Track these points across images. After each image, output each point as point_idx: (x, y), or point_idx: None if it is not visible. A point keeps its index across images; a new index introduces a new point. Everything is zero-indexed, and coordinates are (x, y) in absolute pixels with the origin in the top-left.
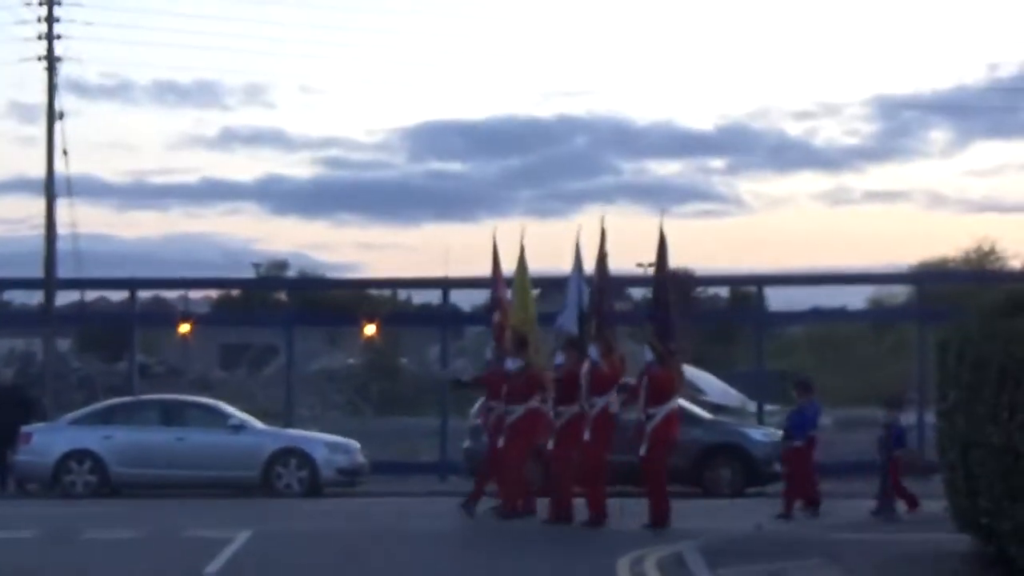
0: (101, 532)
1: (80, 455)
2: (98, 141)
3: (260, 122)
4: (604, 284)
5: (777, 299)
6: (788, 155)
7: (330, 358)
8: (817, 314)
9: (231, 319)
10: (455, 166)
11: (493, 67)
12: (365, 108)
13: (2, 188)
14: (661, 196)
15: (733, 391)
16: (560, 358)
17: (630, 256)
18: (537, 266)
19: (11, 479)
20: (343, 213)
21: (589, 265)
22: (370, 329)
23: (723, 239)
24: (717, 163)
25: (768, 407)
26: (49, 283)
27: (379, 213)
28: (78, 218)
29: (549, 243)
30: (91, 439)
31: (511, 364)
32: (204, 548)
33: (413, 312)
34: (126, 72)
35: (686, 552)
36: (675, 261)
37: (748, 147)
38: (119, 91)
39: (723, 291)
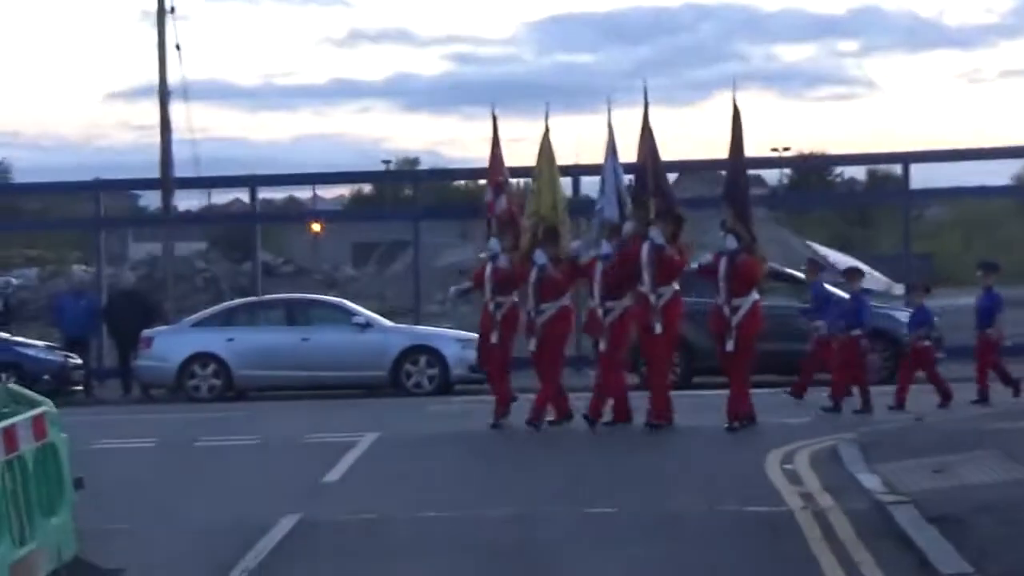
0: (220, 439)
1: (203, 358)
2: (225, 43)
3: (387, 20)
4: (656, 154)
5: (918, 180)
6: (921, 35)
7: (461, 252)
8: (965, 191)
9: (359, 216)
10: (583, 58)
11: None
12: (492, 2)
13: (140, 93)
14: (791, 81)
15: (877, 274)
16: (607, 248)
17: (764, 143)
18: (670, 156)
19: (135, 385)
20: (472, 108)
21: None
22: None
23: (857, 122)
24: (848, 46)
25: None
26: (166, 183)
27: (508, 108)
28: (209, 122)
29: (680, 131)
30: (214, 342)
31: (539, 258)
32: (326, 454)
33: None
34: None
35: (841, 446)
36: (809, 145)
37: (879, 29)
38: None
39: (860, 174)
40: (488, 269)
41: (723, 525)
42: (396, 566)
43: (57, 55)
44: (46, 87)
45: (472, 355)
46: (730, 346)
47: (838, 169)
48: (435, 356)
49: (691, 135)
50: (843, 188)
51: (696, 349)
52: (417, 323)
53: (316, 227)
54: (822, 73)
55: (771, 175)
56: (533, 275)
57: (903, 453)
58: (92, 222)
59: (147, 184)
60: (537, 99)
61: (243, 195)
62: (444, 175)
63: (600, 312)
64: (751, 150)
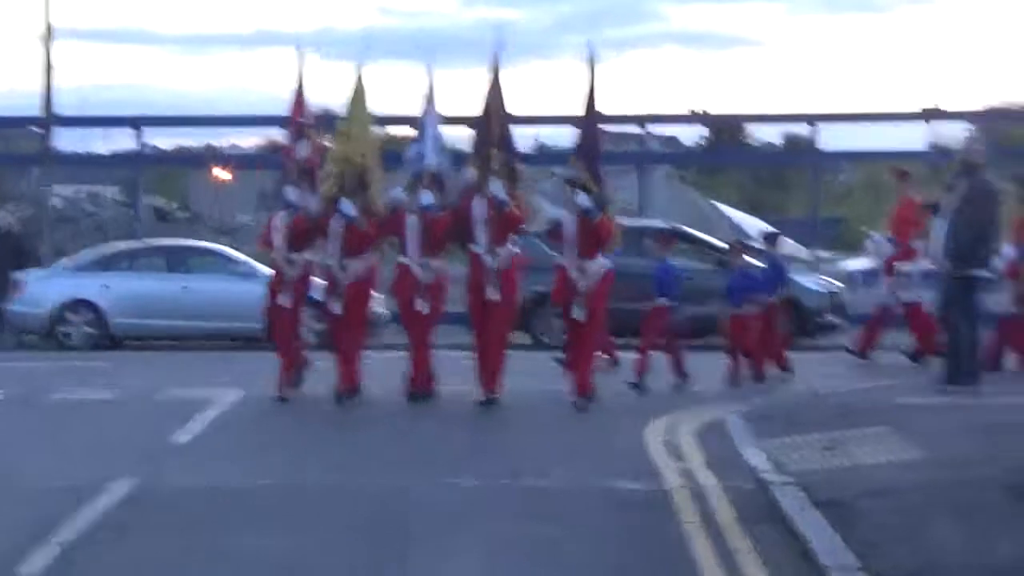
0: (73, 392)
1: (77, 305)
2: None
3: None
4: (500, 102)
5: (830, 144)
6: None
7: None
8: (876, 155)
9: (263, 163)
10: (506, 13)
11: None
12: None
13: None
14: (710, 41)
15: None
16: (428, 198)
17: (680, 102)
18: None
19: (6, 331)
20: (394, 61)
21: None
22: None
23: (775, 86)
24: (771, 8)
25: (823, 255)
26: (46, 122)
27: (428, 60)
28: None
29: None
30: (89, 288)
31: (346, 208)
32: (182, 412)
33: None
34: None
35: (729, 420)
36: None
37: None
38: None
39: (776, 138)
40: (280, 221)
41: (589, 502)
42: (230, 540)
43: None
44: None
45: None
46: (579, 314)
47: (751, 130)
48: (322, 309)
49: (607, 92)
50: (759, 150)
51: None
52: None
53: (219, 173)
54: (740, 36)
55: (687, 137)
56: (337, 227)
57: (794, 428)
58: None
59: (26, 121)
60: (458, 53)
61: (167, 139)
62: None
63: (417, 271)
64: (670, 110)
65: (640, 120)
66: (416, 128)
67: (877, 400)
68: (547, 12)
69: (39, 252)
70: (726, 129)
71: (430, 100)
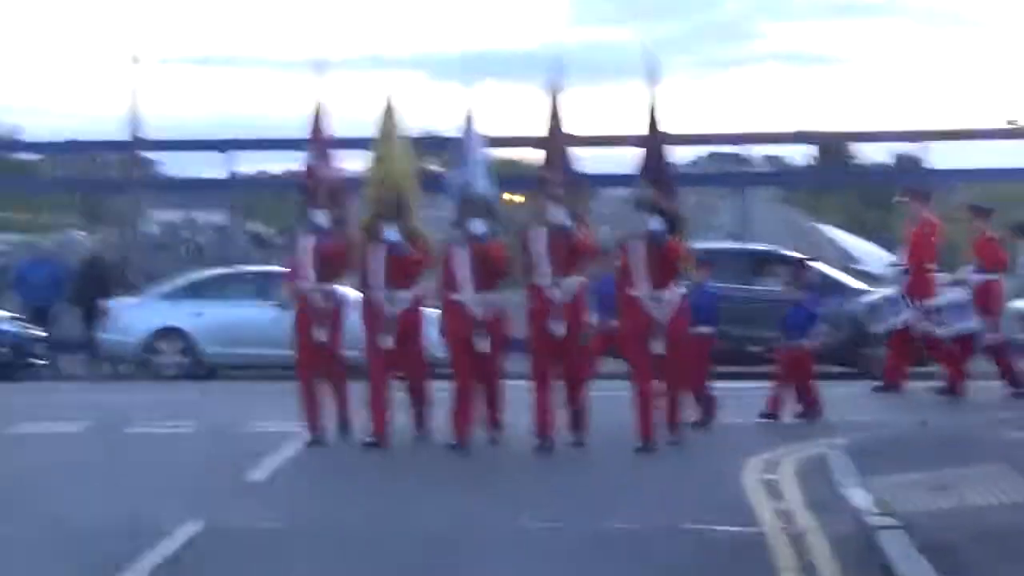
0: (155, 425)
1: (168, 333)
2: (262, 16)
3: None
4: (561, 126)
5: (942, 162)
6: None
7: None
8: (990, 173)
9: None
10: (608, 33)
11: None
12: None
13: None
14: (816, 61)
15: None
16: (480, 226)
17: (784, 121)
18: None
19: (98, 359)
20: (495, 82)
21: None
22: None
23: (882, 104)
24: (871, 26)
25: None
26: (132, 145)
27: (531, 80)
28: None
29: (700, 106)
30: (180, 316)
31: (390, 234)
32: (263, 445)
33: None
34: None
35: (831, 455)
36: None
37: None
38: None
39: (884, 156)
40: (308, 248)
41: (681, 546)
42: None
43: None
44: (61, 54)
45: None
46: (660, 347)
47: (858, 149)
48: None
49: (711, 111)
50: (867, 169)
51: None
52: None
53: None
54: (846, 54)
55: (793, 157)
56: (380, 255)
57: (901, 464)
58: (64, 182)
59: (113, 146)
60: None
61: (271, 165)
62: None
63: (473, 307)
64: (774, 129)
65: (741, 140)
66: (458, 151)
67: (989, 434)
68: (650, 32)
69: (129, 279)
70: (832, 149)
71: (475, 122)
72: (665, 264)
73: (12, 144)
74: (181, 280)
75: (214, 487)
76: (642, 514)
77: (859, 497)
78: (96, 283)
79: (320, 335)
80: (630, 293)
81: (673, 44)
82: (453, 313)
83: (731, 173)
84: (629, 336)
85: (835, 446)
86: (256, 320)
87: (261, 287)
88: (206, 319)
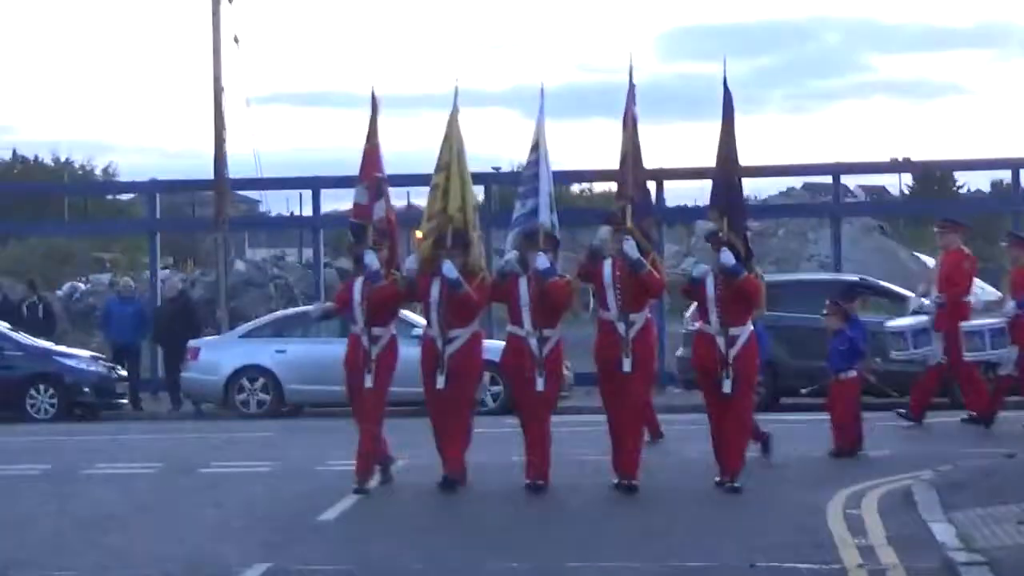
0: (232, 464)
1: (251, 371)
2: (347, 52)
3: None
4: (637, 154)
5: None
6: None
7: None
8: None
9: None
10: (706, 67)
11: None
12: (621, 13)
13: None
14: (916, 91)
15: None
16: (543, 261)
17: (888, 152)
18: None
19: (184, 398)
20: (594, 116)
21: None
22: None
23: (982, 134)
24: (976, 56)
25: None
26: (219, 185)
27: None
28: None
29: (804, 140)
30: (262, 353)
31: (449, 270)
32: (337, 484)
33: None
34: None
35: (916, 488)
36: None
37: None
38: None
39: (984, 185)
40: (358, 289)
41: None
42: None
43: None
44: (150, 94)
45: None
46: (727, 387)
47: (961, 180)
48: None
49: (812, 143)
50: (965, 198)
51: (782, 368)
52: None
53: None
54: (947, 85)
55: (892, 186)
56: (435, 292)
57: (988, 497)
58: (145, 223)
59: (202, 185)
60: (657, 106)
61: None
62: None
63: (533, 344)
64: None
65: (835, 170)
66: (527, 184)
67: None
68: (748, 64)
69: (216, 317)
70: (934, 179)
71: (541, 152)
72: (737, 299)
73: (101, 186)
74: (265, 318)
75: (284, 527)
76: (717, 551)
77: (943, 532)
78: (182, 322)
79: (369, 381)
80: (701, 328)
81: (771, 77)
82: (514, 349)
83: (824, 203)
84: (699, 372)
85: (921, 479)
86: (340, 357)
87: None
88: (288, 357)
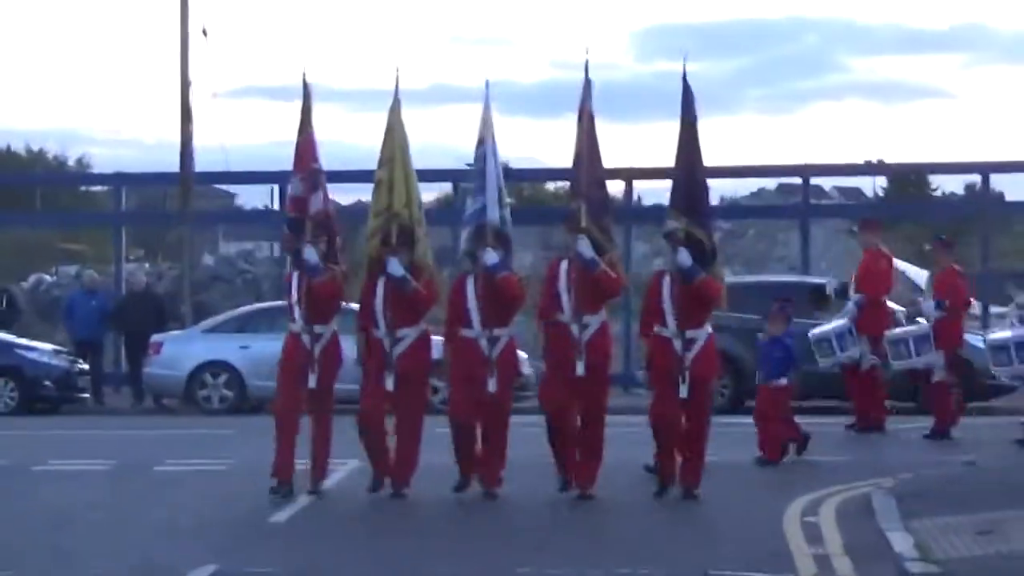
0: (187, 462)
1: (214, 367)
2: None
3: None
4: (594, 152)
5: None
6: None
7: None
8: None
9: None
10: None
11: None
12: (598, 12)
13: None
14: (892, 93)
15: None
16: (493, 257)
17: (860, 153)
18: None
19: (147, 394)
20: (572, 114)
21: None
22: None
23: (954, 136)
24: (951, 60)
25: (996, 309)
26: (184, 179)
27: (609, 112)
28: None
29: (779, 141)
30: (226, 349)
31: (395, 268)
32: (294, 484)
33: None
34: None
35: (875, 496)
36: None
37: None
38: None
39: (958, 188)
40: (295, 285)
41: None
42: None
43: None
44: (128, 85)
45: None
46: (683, 392)
47: (935, 184)
48: None
49: (787, 144)
50: (939, 201)
51: (746, 370)
52: None
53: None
54: (922, 87)
55: (866, 187)
56: (384, 291)
57: (947, 506)
58: (110, 216)
59: (168, 179)
60: (634, 105)
61: (337, 197)
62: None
63: (483, 344)
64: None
65: (804, 171)
66: (476, 179)
67: None
68: (727, 65)
69: (180, 312)
70: (908, 182)
71: (488, 147)
72: (694, 301)
73: (69, 178)
74: (229, 313)
75: (234, 529)
76: (672, 559)
77: (900, 541)
78: (145, 316)
79: (311, 380)
80: (657, 332)
81: (746, 77)
82: (460, 350)
83: (793, 205)
84: (656, 378)
85: (880, 487)
86: None
87: None
88: (252, 352)
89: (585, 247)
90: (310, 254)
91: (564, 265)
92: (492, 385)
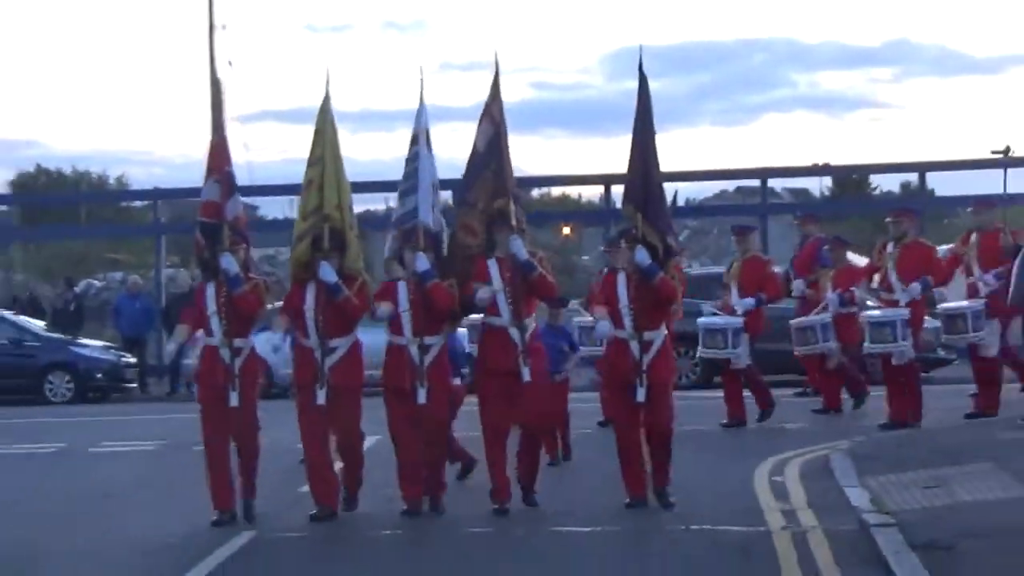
0: None
1: None
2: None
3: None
4: (504, 144)
5: (945, 191)
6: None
7: None
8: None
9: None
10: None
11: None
12: (570, 35)
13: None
14: (833, 105)
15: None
16: (423, 262)
17: (807, 159)
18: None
19: (184, 383)
20: (550, 129)
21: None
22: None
23: (890, 142)
24: (883, 73)
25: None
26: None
27: (581, 128)
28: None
29: (735, 149)
30: (257, 341)
31: (327, 273)
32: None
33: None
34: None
35: (834, 457)
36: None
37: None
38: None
39: (895, 187)
40: (211, 297)
41: (693, 546)
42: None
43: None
44: (157, 111)
45: None
46: (641, 395)
47: (874, 183)
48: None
49: (743, 152)
50: (878, 198)
51: None
52: None
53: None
54: (860, 98)
55: (815, 189)
56: (311, 298)
57: (898, 466)
58: (151, 228)
59: (198, 193)
60: (605, 121)
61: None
62: None
63: (414, 352)
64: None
65: (762, 174)
66: (407, 179)
67: (981, 436)
68: (686, 82)
69: None
70: (851, 182)
71: (420, 146)
72: (652, 301)
73: (112, 195)
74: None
75: (269, 499)
76: (653, 515)
77: (857, 496)
78: None
79: (232, 399)
80: (614, 334)
81: (705, 93)
82: (394, 359)
83: (753, 204)
84: (609, 382)
85: (837, 449)
86: None
87: None
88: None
89: (518, 247)
90: (229, 263)
91: (493, 265)
92: (422, 396)
